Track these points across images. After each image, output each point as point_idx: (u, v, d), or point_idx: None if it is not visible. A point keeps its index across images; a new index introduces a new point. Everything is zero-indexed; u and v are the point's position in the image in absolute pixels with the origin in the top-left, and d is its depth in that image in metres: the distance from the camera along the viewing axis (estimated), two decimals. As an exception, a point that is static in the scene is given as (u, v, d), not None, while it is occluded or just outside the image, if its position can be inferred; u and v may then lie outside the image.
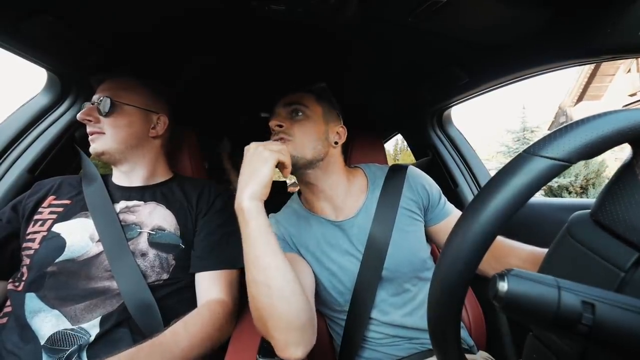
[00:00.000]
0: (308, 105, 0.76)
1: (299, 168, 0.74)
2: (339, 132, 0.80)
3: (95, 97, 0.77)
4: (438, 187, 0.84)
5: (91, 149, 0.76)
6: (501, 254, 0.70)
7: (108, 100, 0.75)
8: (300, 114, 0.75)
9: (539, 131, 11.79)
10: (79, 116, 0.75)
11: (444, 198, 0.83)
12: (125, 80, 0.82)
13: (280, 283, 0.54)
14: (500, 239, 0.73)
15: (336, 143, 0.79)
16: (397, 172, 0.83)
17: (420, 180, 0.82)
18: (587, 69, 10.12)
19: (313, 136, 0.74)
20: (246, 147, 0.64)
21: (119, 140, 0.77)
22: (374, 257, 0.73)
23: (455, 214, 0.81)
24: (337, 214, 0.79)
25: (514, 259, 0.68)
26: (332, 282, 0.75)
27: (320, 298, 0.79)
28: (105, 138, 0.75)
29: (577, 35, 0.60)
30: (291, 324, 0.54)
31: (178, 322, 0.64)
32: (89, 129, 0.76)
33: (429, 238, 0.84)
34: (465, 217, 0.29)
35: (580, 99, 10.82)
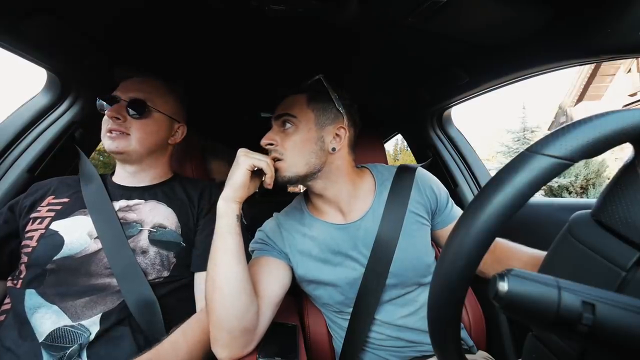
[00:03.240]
0: (297, 113, 0.72)
1: (297, 181, 0.73)
2: (338, 134, 0.74)
3: (122, 95, 0.76)
4: (446, 190, 0.83)
5: (108, 146, 0.74)
6: (503, 256, 0.70)
7: (141, 104, 0.76)
8: (288, 125, 0.72)
9: (539, 131, 11.85)
10: (108, 112, 0.73)
11: (451, 201, 0.82)
12: (159, 85, 0.82)
13: (223, 283, 0.58)
14: (502, 241, 0.73)
15: (334, 149, 0.73)
16: (405, 174, 0.81)
17: (429, 183, 0.81)
18: (587, 69, 10.12)
19: (305, 149, 0.71)
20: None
21: (143, 145, 0.77)
22: (380, 261, 0.72)
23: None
24: (343, 218, 0.78)
25: (516, 261, 0.68)
26: (336, 287, 0.74)
27: (323, 300, 0.78)
28: (129, 139, 0.75)
29: (577, 35, 0.60)
30: (223, 325, 0.58)
31: (177, 330, 0.63)
32: (111, 126, 0.74)
33: (435, 241, 0.84)
34: (467, 215, 0.29)
35: (580, 99, 10.80)
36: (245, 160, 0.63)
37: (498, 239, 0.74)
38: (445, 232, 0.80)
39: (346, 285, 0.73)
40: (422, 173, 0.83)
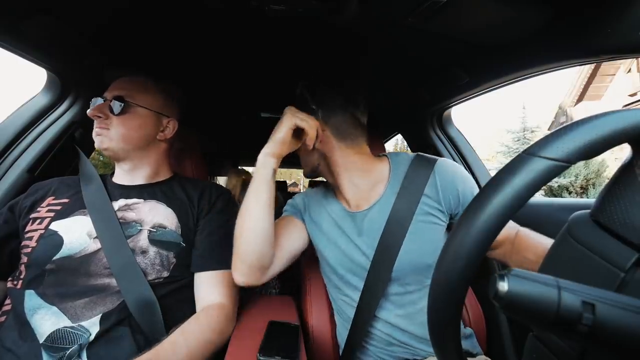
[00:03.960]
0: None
1: (310, 177, 0.85)
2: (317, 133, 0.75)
3: (107, 94, 0.77)
4: (474, 184, 0.74)
5: (95, 144, 0.77)
6: (522, 247, 0.68)
7: (120, 100, 0.76)
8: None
9: (539, 131, 11.98)
10: (89, 112, 0.76)
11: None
12: (142, 81, 0.82)
13: (250, 227, 0.67)
14: (523, 231, 0.71)
15: (314, 148, 0.73)
16: (421, 165, 0.76)
17: (452, 177, 0.73)
18: (587, 69, 10.15)
19: (301, 152, 0.80)
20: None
21: (126, 140, 0.77)
22: (385, 253, 0.71)
23: None
24: (350, 205, 0.79)
25: (531, 253, 0.66)
26: (343, 264, 0.77)
27: (332, 282, 0.81)
28: (110, 135, 0.76)
29: (577, 35, 0.60)
30: (244, 257, 0.68)
31: (176, 330, 0.63)
32: (97, 124, 0.76)
33: None
34: (465, 217, 0.29)
35: (580, 99, 10.84)
36: (289, 118, 0.68)
37: (521, 228, 0.72)
38: None
39: (351, 264, 0.75)
40: (444, 167, 0.75)
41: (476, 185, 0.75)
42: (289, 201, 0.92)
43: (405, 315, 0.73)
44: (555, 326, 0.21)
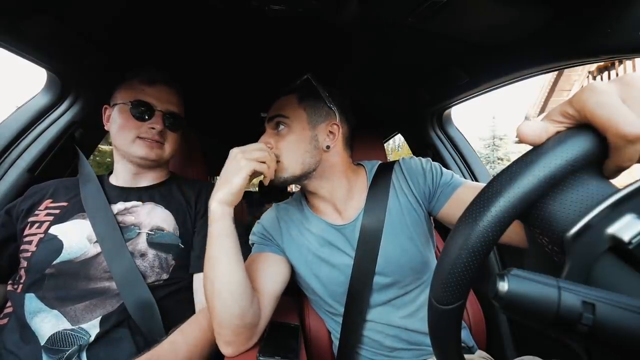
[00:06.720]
0: (289, 114, 0.72)
1: (292, 182, 0.72)
2: (332, 131, 0.74)
3: (161, 106, 0.79)
4: (439, 165, 0.76)
5: (144, 153, 0.77)
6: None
7: (180, 119, 0.83)
8: (282, 127, 0.72)
9: (507, 138, 13.41)
10: (150, 125, 0.77)
11: (447, 172, 0.75)
12: (179, 93, 0.86)
13: (222, 285, 0.57)
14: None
15: (328, 147, 0.72)
16: (384, 170, 0.79)
17: (413, 165, 0.76)
18: (547, 84, 11.15)
19: (299, 149, 0.70)
20: (230, 151, 0.63)
21: (171, 154, 0.84)
22: (365, 259, 0.71)
23: (467, 184, 0.71)
24: (338, 217, 0.77)
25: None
26: (326, 285, 0.74)
27: (314, 301, 0.78)
28: (164, 149, 0.81)
29: (577, 35, 0.60)
30: (225, 324, 0.58)
31: (176, 331, 0.63)
32: (148, 134, 0.77)
33: (445, 221, 0.74)
34: (466, 217, 0.29)
35: (542, 111, 11.67)
36: (247, 164, 0.60)
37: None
38: (452, 203, 0.70)
39: (336, 284, 0.73)
40: (405, 163, 0.78)
41: (438, 164, 0.77)
42: (255, 229, 0.81)
43: (409, 315, 0.73)
44: (555, 326, 0.21)
